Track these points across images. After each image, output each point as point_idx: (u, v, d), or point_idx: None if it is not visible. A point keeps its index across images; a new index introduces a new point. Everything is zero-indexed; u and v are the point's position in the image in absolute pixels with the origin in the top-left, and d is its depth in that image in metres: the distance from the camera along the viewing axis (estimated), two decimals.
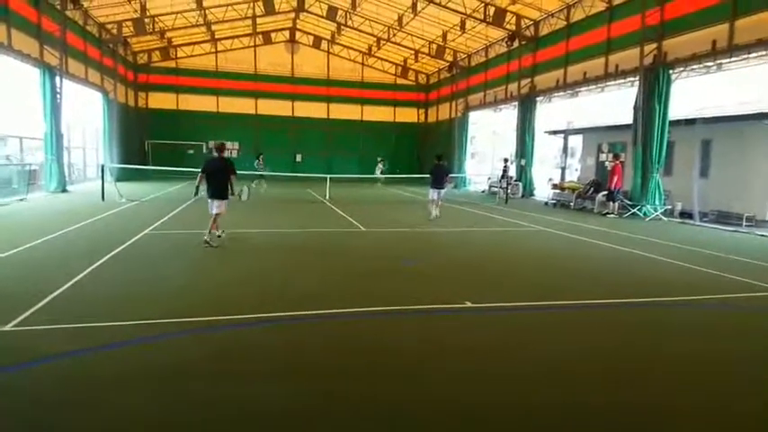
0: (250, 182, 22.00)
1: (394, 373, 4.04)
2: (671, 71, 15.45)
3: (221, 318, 5.14)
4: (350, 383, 3.82)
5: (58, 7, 19.34)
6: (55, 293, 5.71)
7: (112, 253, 8.05)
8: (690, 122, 15.54)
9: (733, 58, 14.03)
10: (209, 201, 8.99)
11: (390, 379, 3.92)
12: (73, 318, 4.97)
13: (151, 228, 10.85)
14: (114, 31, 25.66)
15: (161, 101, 33.52)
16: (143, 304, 5.54)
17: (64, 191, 18.98)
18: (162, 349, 4.37)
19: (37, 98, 18.25)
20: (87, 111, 24.78)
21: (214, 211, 8.95)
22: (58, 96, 18.94)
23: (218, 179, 8.90)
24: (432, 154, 34.83)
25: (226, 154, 9.48)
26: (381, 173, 31.24)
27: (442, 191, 14.09)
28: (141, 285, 6.37)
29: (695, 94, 17.17)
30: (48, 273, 6.77)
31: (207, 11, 26.83)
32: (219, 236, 9.21)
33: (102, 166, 18.15)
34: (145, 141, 32.57)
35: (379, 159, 32.42)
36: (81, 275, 6.57)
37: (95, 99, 24.91)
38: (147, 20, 25.73)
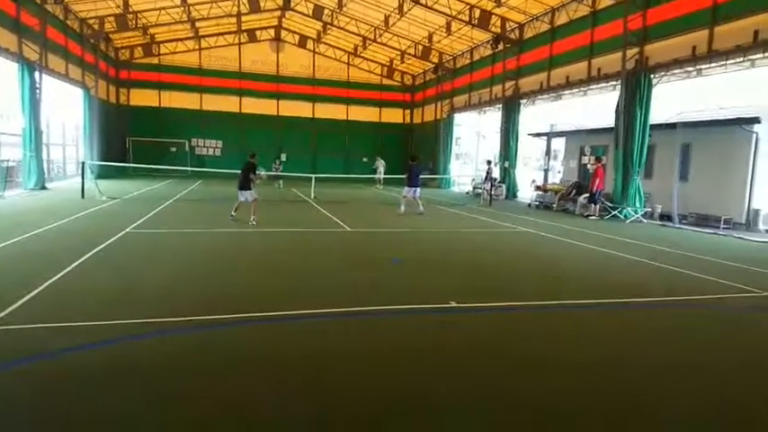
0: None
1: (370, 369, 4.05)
2: (652, 76, 15.72)
3: (203, 318, 5.09)
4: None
5: (38, 1, 18.98)
6: (33, 293, 5.59)
7: (92, 252, 7.92)
8: (670, 126, 15.83)
9: (712, 64, 14.35)
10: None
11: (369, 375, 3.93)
12: (51, 317, 4.88)
13: (132, 226, 10.70)
14: (96, 26, 25.29)
15: (143, 98, 33.09)
16: (124, 303, 5.46)
17: (43, 188, 18.61)
18: (144, 349, 4.31)
19: (15, 93, 17.88)
20: (67, 107, 24.35)
21: (240, 199, 12.07)
22: (38, 92, 18.57)
23: (242, 176, 12.17)
24: (418, 155, 35.22)
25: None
26: (381, 173, 28.56)
27: (418, 189, 15.14)
28: (122, 284, 6.27)
29: (676, 98, 17.48)
30: (26, 272, 6.63)
31: (191, 7, 26.58)
32: (252, 222, 11.59)
33: (83, 164, 17.85)
34: (126, 138, 32.10)
35: (377, 158, 29.97)
36: (60, 274, 6.45)
37: (76, 95, 24.48)
38: (129, 16, 25.40)
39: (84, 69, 24.81)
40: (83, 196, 15.73)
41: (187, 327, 4.84)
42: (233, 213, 12.17)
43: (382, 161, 29.02)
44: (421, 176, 15.85)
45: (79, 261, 7.24)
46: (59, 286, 5.99)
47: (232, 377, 3.84)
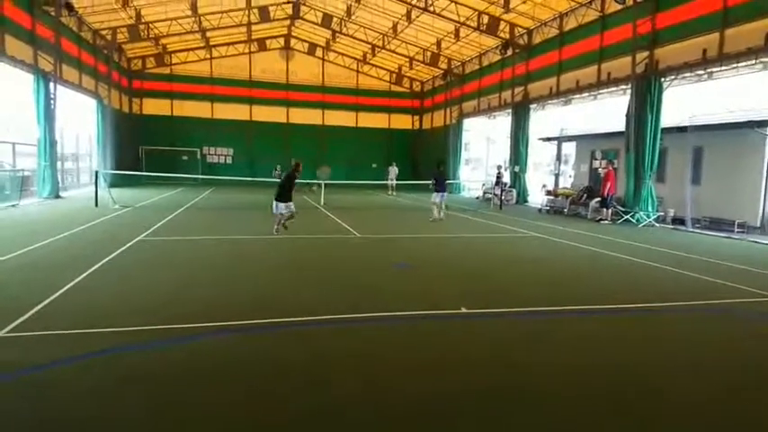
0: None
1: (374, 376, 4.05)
2: (662, 79, 15.62)
3: (214, 324, 5.12)
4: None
5: (53, 14, 19.34)
6: (48, 300, 5.68)
7: (106, 260, 8.02)
8: (682, 130, 15.70)
9: (723, 67, 14.22)
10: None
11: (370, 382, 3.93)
12: (66, 324, 4.95)
13: (145, 234, 10.81)
14: (109, 37, 25.69)
15: (155, 107, 33.50)
16: (137, 311, 5.51)
17: (57, 197, 18.88)
18: (157, 356, 4.35)
19: (31, 104, 18.19)
20: (81, 117, 24.72)
21: (276, 212, 11.02)
22: (52, 102, 18.88)
23: (284, 186, 11.17)
24: (426, 160, 35.33)
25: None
26: (393, 180, 28.11)
27: (444, 194, 15.21)
28: (135, 292, 6.34)
29: (687, 101, 17.38)
30: (40, 280, 6.72)
31: (202, 18, 26.92)
32: (283, 227, 11.12)
33: (96, 172, 18.08)
34: (139, 147, 32.49)
35: (391, 164, 29.57)
36: (74, 282, 6.54)
37: (89, 105, 24.85)
38: (141, 26, 25.81)
39: (98, 80, 25.19)
40: (96, 205, 15.92)
41: (195, 334, 4.87)
42: (277, 228, 11.15)
43: (395, 168, 28.89)
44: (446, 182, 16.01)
45: (92, 269, 7.33)
46: (72, 294, 6.07)
47: (254, 382, 3.87)
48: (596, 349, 4.87)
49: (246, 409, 3.44)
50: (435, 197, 15.18)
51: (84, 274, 6.97)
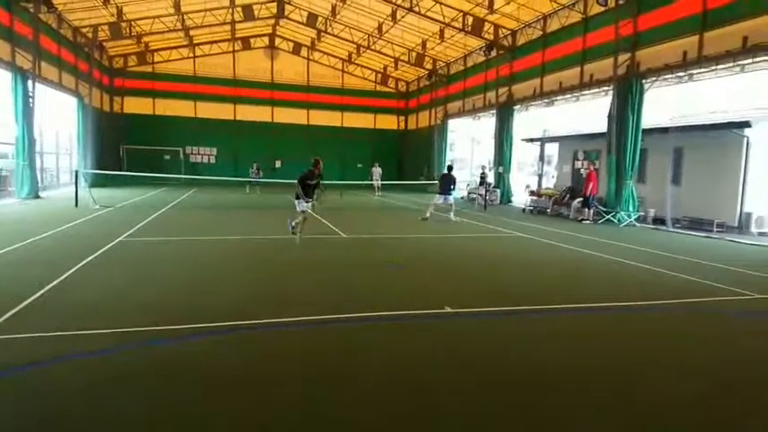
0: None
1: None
2: (644, 81, 15.85)
3: (197, 326, 5.07)
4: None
5: (32, 10, 18.97)
6: (27, 301, 5.57)
7: (86, 260, 7.89)
8: (662, 131, 15.97)
9: (703, 69, 14.49)
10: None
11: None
12: (44, 326, 4.85)
13: (126, 235, 10.66)
14: (90, 34, 25.28)
15: (137, 106, 33.05)
16: (118, 312, 5.43)
17: (36, 197, 18.52)
18: (140, 357, 4.29)
19: (8, 102, 17.83)
20: (61, 115, 24.29)
21: (299, 209, 10.69)
22: (31, 100, 18.53)
23: (304, 185, 10.72)
24: (412, 161, 35.44)
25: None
26: (378, 180, 27.34)
27: (450, 197, 15.49)
28: (116, 293, 6.24)
29: (669, 102, 17.72)
30: (19, 281, 6.59)
31: (185, 16, 26.63)
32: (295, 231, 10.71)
33: (76, 172, 17.79)
34: (120, 147, 32.03)
35: (373, 163, 28.77)
36: (54, 283, 6.42)
37: (69, 103, 24.43)
38: (123, 24, 25.45)
39: (78, 78, 24.78)
40: (76, 205, 15.66)
41: (176, 336, 4.82)
42: (293, 225, 10.80)
43: (379, 169, 28.21)
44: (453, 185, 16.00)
45: (71, 271, 7.20)
46: (51, 295, 5.96)
47: (228, 386, 3.83)
48: (581, 348, 4.92)
49: (234, 408, 3.41)
50: (438, 198, 15.55)
51: (63, 276, 6.84)
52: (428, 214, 15.34)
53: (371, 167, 28.64)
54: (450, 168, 16.53)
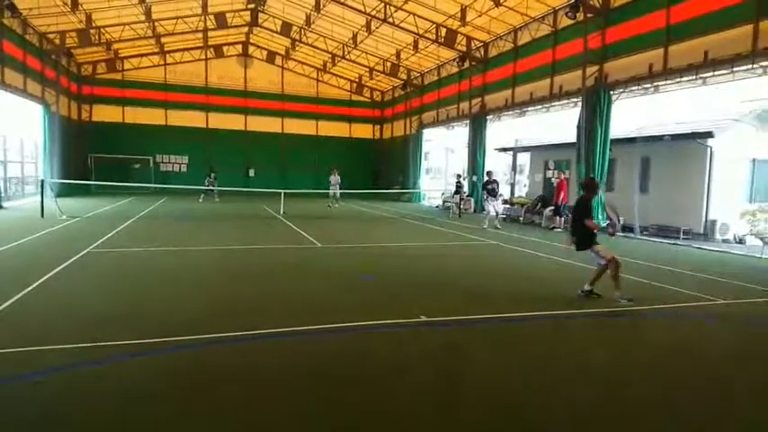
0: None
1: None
2: (611, 92, 16.27)
3: (167, 339, 4.96)
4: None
5: None
6: None
7: (53, 272, 7.65)
8: (630, 141, 16.40)
9: (668, 81, 14.95)
10: None
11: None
12: (6, 341, 4.68)
13: (94, 245, 10.38)
14: (57, 41, 24.67)
15: (106, 114, 32.28)
16: (85, 326, 5.27)
17: (0, 207, 17.93)
18: (108, 373, 4.17)
19: None
20: (26, 123, 23.58)
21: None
22: None
23: None
24: (387, 169, 35.50)
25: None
26: (336, 188, 24.34)
27: (497, 202, 16.91)
28: (84, 306, 6.07)
29: (637, 113, 18.23)
30: None
31: (156, 23, 26.24)
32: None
33: (42, 181, 17.27)
34: (88, 155, 31.23)
35: (332, 170, 25.09)
36: (18, 296, 6.20)
37: (35, 111, 23.74)
38: (92, 31, 24.91)
39: (45, 85, 24.10)
40: (42, 215, 15.18)
41: (142, 351, 4.70)
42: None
43: (338, 176, 24.49)
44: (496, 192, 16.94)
45: (37, 283, 6.97)
46: (14, 310, 5.75)
47: (207, 395, 3.75)
48: (559, 355, 4.99)
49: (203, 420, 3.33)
50: (497, 206, 16.61)
51: (29, 289, 6.62)
52: (497, 224, 16.24)
53: (330, 175, 24.84)
54: (489, 174, 17.48)
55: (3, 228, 13.05)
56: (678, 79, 14.55)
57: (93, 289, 7.00)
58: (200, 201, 24.59)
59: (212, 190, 25.15)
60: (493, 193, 16.56)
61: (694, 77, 14.10)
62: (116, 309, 6.03)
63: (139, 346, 4.71)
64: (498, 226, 16.30)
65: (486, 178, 17.41)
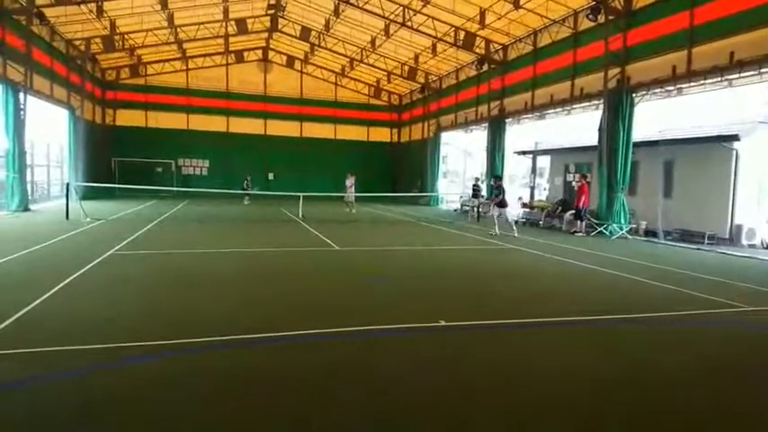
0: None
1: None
2: (634, 95, 16.04)
3: (187, 341, 5.01)
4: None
5: (24, 23, 18.95)
6: (15, 317, 5.48)
7: (77, 274, 7.80)
8: (653, 144, 16.14)
9: (691, 84, 14.70)
10: None
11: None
12: (33, 342, 4.78)
13: (117, 248, 10.57)
14: (82, 47, 25.26)
15: (129, 118, 32.97)
16: (110, 327, 5.36)
17: (26, 209, 18.37)
18: (127, 374, 4.23)
19: None
20: (52, 127, 24.19)
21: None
22: (22, 113, 18.44)
23: None
24: (406, 173, 35.50)
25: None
26: (351, 192, 23.46)
27: (504, 210, 15.73)
28: (107, 308, 6.17)
29: (660, 115, 17.94)
30: (8, 295, 6.50)
31: (178, 29, 26.71)
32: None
33: (67, 185, 17.66)
34: (112, 159, 31.88)
35: (349, 174, 24.16)
36: (43, 297, 6.33)
37: (61, 116, 24.33)
38: (116, 37, 25.46)
39: (70, 90, 24.71)
40: (67, 218, 15.53)
41: (163, 351, 4.76)
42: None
43: (352, 180, 23.81)
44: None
45: (62, 284, 7.12)
46: (40, 310, 5.88)
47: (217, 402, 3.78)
48: (587, 364, 4.92)
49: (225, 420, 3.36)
50: (503, 212, 15.58)
51: (54, 290, 6.76)
52: (515, 229, 15.42)
53: (348, 178, 23.98)
54: (498, 177, 16.71)
55: (30, 230, 13.36)
56: (702, 81, 14.30)
57: (115, 291, 7.11)
58: (247, 202, 26.66)
59: (248, 193, 26.87)
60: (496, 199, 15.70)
61: (719, 79, 13.84)
62: (138, 311, 6.12)
63: (173, 346, 4.77)
64: (498, 232, 15.31)
65: (493, 182, 16.59)
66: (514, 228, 15.54)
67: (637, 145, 16.16)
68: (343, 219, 20.08)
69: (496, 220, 15.67)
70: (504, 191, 15.69)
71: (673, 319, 6.51)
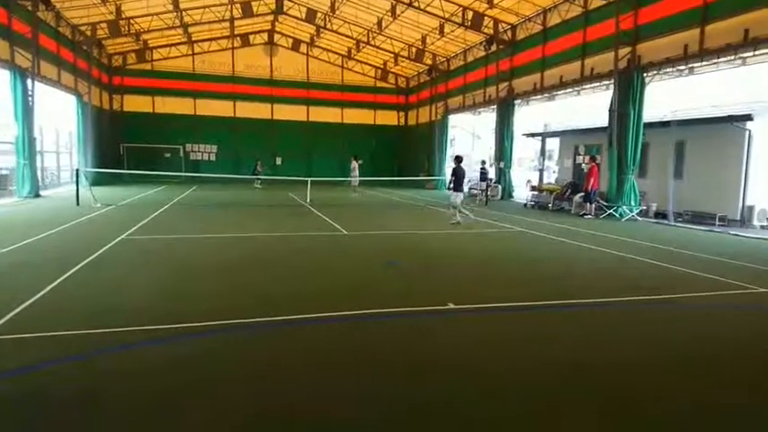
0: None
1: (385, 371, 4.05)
2: (645, 74, 15.79)
3: (191, 324, 5.07)
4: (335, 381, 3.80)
5: (29, 8, 18.90)
6: (29, 301, 5.57)
7: (88, 259, 7.88)
8: (664, 125, 15.91)
9: (704, 63, 14.43)
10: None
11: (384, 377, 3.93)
12: (47, 326, 4.85)
13: (128, 233, 10.66)
14: (88, 32, 25.20)
15: (137, 103, 32.98)
16: (121, 312, 5.43)
17: (37, 196, 18.52)
18: (142, 357, 4.30)
19: (7, 101, 17.80)
20: (61, 114, 24.27)
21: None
22: (30, 99, 18.49)
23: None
24: (413, 156, 35.37)
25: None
26: (356, 176, 24.59)
27: (460, 194, 13.80)
28: (118, 293, 6.24)
29: (671, 95, 17.62)
30: (21, 281, 6.59)
31: (184, 13, 26.52)
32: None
33: (77, 171, 17.77)
34: (120, 145, 31.99)
35: (353, 158, 25.18)
36: (56, 282, 6.42)
37: (69, 102, 24.38)
38: (122, 22, 25.34)
39: (77, 76, 24.71)
40: (77, 203, 15.66)
41: (179, 334, 4.82)
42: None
43: (357, 164, 24.67)
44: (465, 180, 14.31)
45: (74, 269, 7.21)
46: (54, 295, 5.96)
47: (235, 383, 3.83)
48: (599, 343, 4.92)
49: (240, 405, 3.41)
50: (457, 197, 13.72)
51: (67, 274, 6.85)
52: (459, 218, 13.72)
53: (352, 162, 24.91)
54: (459, 160, 14.05)
55: (42, 216, 13.49)
56: (715, 60, 14.03)
57: (126, 275, 7.19)
58: (259, 186, 26.89)
59: (259, 178, 27.24)
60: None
61: (733, 58, 13.57)
62: (150, 294, 6.19)
63: (192, 329, 4.84)
64: (460, 217, 13.81)
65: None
66: (458, 215, 13.77)
67: (647, 125, 15.95)
68: (350, 203, 20.08)
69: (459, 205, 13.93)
70: (459, 174, 13.71)
71: (683, 303, 6.48)
